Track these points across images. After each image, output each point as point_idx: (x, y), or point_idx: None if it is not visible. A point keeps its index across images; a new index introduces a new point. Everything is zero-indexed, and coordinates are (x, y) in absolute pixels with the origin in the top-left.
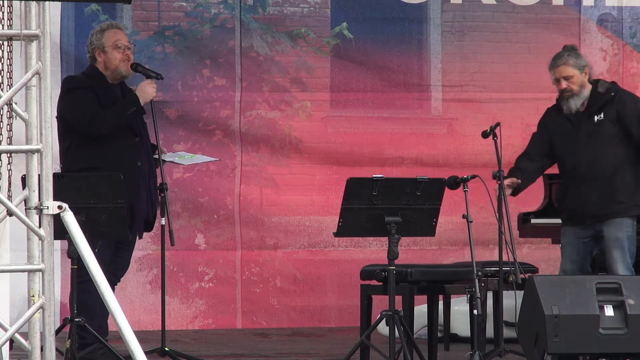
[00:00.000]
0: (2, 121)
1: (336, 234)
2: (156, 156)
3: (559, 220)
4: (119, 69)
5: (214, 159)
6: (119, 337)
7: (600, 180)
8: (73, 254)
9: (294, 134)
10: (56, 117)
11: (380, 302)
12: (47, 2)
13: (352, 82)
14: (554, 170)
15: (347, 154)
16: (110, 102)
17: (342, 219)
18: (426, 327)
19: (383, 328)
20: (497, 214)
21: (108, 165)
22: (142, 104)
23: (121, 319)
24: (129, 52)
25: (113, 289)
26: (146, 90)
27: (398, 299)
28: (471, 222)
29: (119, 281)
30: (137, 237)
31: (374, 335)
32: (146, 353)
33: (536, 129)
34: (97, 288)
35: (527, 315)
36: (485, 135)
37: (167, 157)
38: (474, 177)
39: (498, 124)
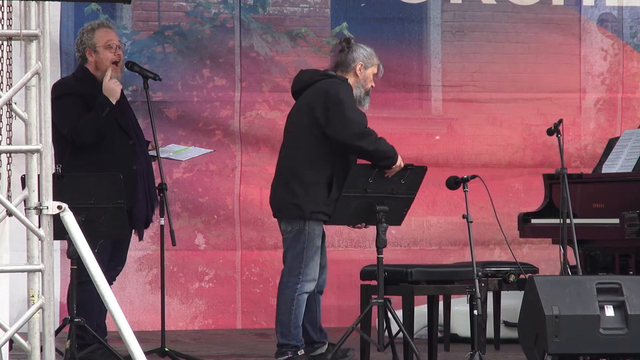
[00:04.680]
0: (1, 121)
1: (327, 222)
2: (152, 153)
3: (559, 221)
4: (109, 70)
5: (208, 151)
6: (119, 337)
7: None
8: (73, 254)
9: None
10: None
11: None
12: (47, 2)
13: None
14: (554, 170)
15: None
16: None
17: (337, 207)
18: (426, 327)
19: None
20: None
21: (104, 170)
22: (114, 103)
23: (121, 319)
24: (120, 52)
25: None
26: (112, 88)
27: (398, 299)
28: (471, 222)
29: (114, 280)
30: (138, 239)
31: (374, 335)
32: (146, 353)
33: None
34: (97, 288)
35: (527, 315)
36: (550, 132)
37: (161, 152)
38: (474, 177)
39: (561, 121)
